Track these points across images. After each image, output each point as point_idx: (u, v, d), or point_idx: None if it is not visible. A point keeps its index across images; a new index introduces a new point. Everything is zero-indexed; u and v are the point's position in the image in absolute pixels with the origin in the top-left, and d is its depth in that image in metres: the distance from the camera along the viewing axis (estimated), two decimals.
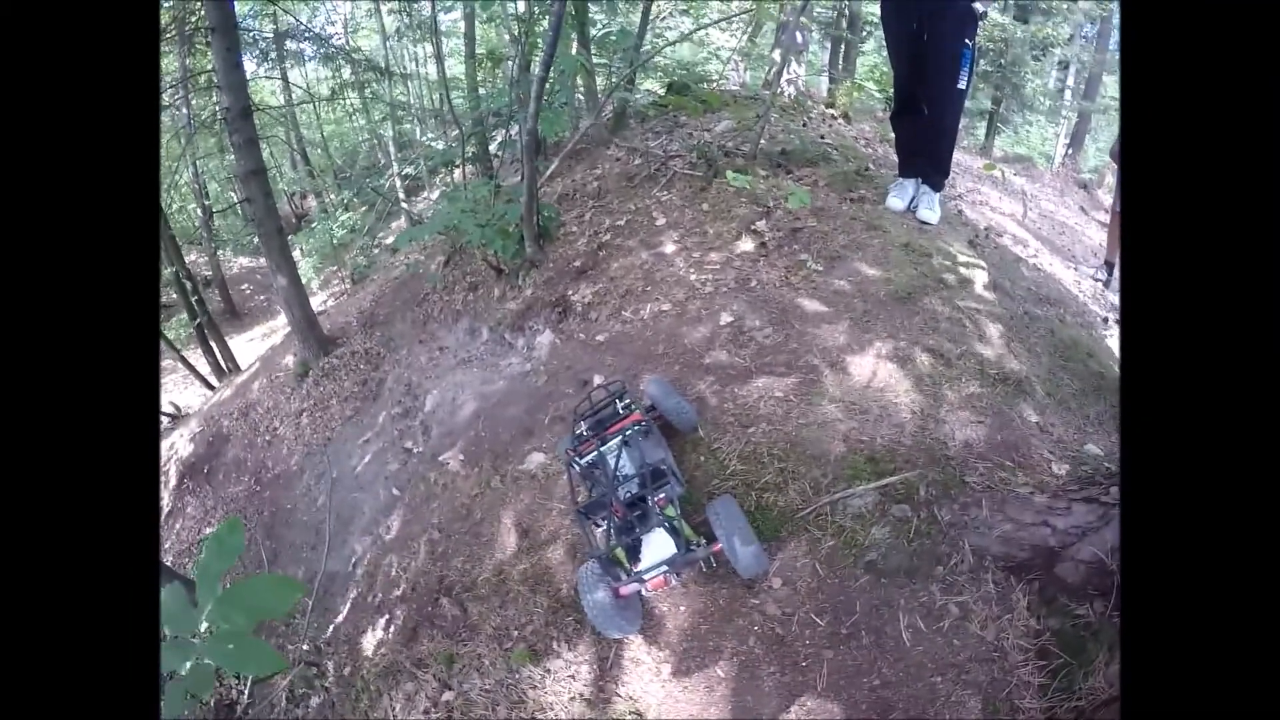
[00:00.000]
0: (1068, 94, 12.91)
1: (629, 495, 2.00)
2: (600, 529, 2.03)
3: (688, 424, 2.35)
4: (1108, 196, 7.38)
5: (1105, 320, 3.76)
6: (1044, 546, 1.92)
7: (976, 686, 1.78)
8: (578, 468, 2.18)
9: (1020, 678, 1.78)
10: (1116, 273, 4.48)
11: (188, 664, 1.28)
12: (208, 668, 1.27)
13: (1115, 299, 4.24)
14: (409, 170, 7.83)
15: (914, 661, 1.80)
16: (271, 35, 9.01)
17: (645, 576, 1.82)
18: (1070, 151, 11.89)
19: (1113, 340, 3.57)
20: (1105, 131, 13.65)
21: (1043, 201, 6.48)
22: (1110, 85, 11.73)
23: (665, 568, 1.82)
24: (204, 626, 1.35)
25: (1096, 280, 4.46)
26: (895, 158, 4.86)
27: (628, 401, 2.31)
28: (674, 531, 1.87)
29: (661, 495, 1.95)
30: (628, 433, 2.16)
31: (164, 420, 7.29)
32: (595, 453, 2.17)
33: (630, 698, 1.86)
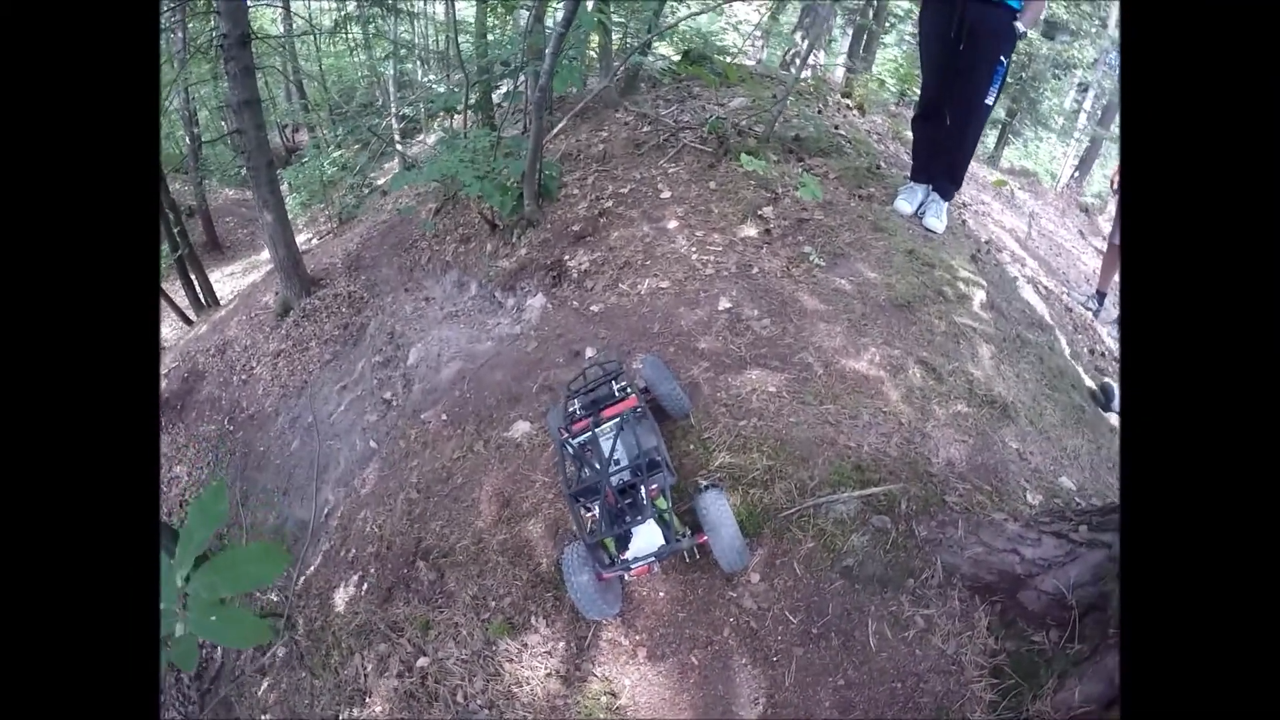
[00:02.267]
0: (1083, 117, 12.93)
1: (621, 482, 2.00)
2: (589, 513, 2.04)
3: (680, 410, 2.35)
4: (1107, 224, 7.47)
5: (1091, 353, 3.85)
6: (1010, 573, 1.99)
7: (933, 695, 1.85)
8: (570, 448, 2.18)
9: (974, 693, 1.86)
10: (1108, 303, 4.59)
11: (171, 634, 1.25)
12: (191, 639, 1.25)
13: (1103, 330, 4.34)
14: (407, 111, 7.54)
15: (878, 666, 1.86)
16: None
17: (632, 565, 1.84)
18: (1077, 174, 11.98)
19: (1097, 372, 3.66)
20: (1114, 159, 13.75)
21: (1044, 220, 6.54)
22: None
23: (652, 558, 1.84)
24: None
25: (1087, 309, 4.56)
26: (906, 156, 4.84)
27: (624, 384, 2.30)
28: (664, 524, 1.89)
29: (654, 486, 1.96)
30: (624, 416, 2.16)
31: None
32: (588, 434, 2.17)
33: (605, 678, 1.90)
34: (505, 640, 2.05)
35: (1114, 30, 9.23)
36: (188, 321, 7.33)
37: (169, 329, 7.88)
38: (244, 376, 4.88)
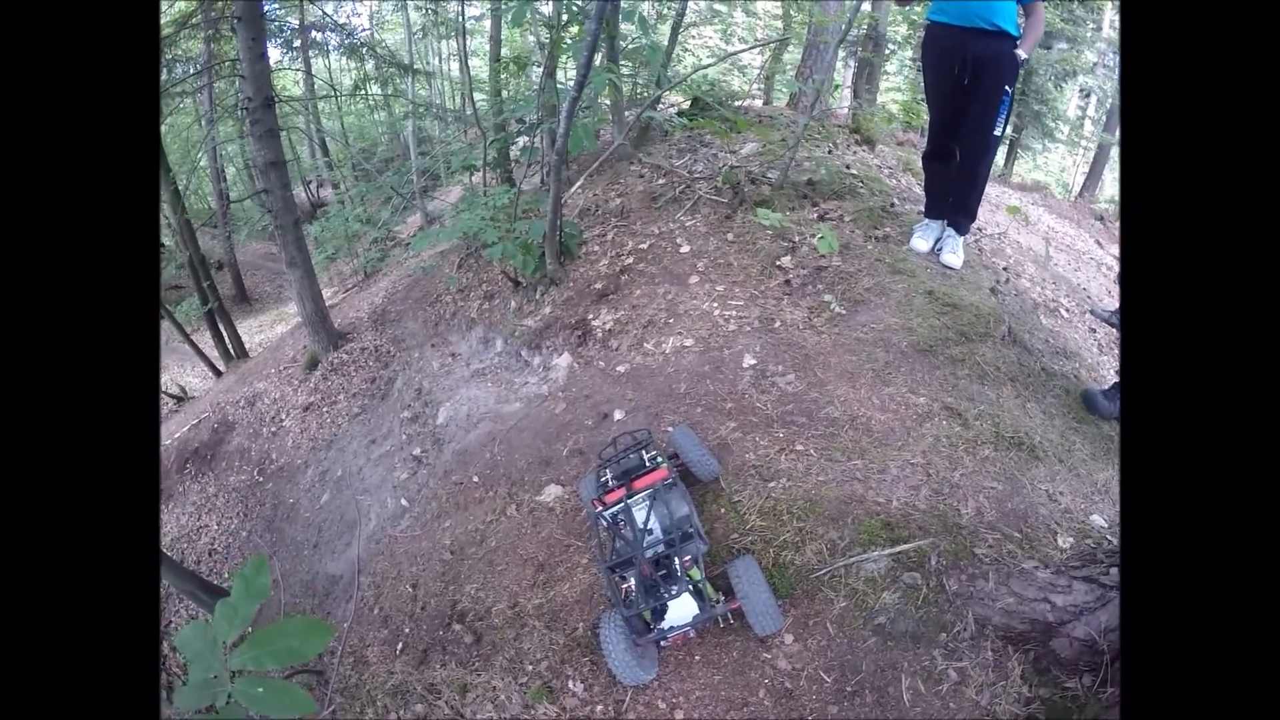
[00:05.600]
0: (1088, 124, 12.84)
1: (655, 554, 2.06)
2: (625, 583, 2.10)
3: (709, 475, 2.41)
4: None
5: (1118, 374, 3.80)
6: (1042, 621, 1.99)
7: None
8: (605, 521, 2.24)
9: None
10: None
11: (215, 704, 1.33)
12: (238, 709, 1.33)
13: None
14: (427, 165, 7.81)
15: None
16: (297, 26, 8.96)
17: (668, 634, 1.89)
18: (1088, 182, 11.88)
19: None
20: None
21: (1061, 235, 6.49)
22: None
23: (688, 626, 1.89)
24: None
25: (1111, 324, 4.47)
26: (918, 190, 4.87)
27: (654, 454, 2.37)
28: (698, 594, 1.95)
29: (688, 557, 2.01)
30: (657, 487, 2.22)
31: (169, 402, 7.28)
32: (621, 504, 2.23)
33: None
34: (544, 704, 2.10)
35: (1109, 31, 9.21)
36: (217, 373, 7.49)
37: (199, 380, 8.09)
38: (273, 429, 4.95)
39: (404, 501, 3.57)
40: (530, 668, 2.23)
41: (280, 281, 12.47)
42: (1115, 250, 6.95)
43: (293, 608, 3.41)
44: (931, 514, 2.21)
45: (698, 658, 2.09)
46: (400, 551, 3.12)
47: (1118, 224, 8.37)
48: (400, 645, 2.59)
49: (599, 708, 2.07)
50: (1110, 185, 13.08)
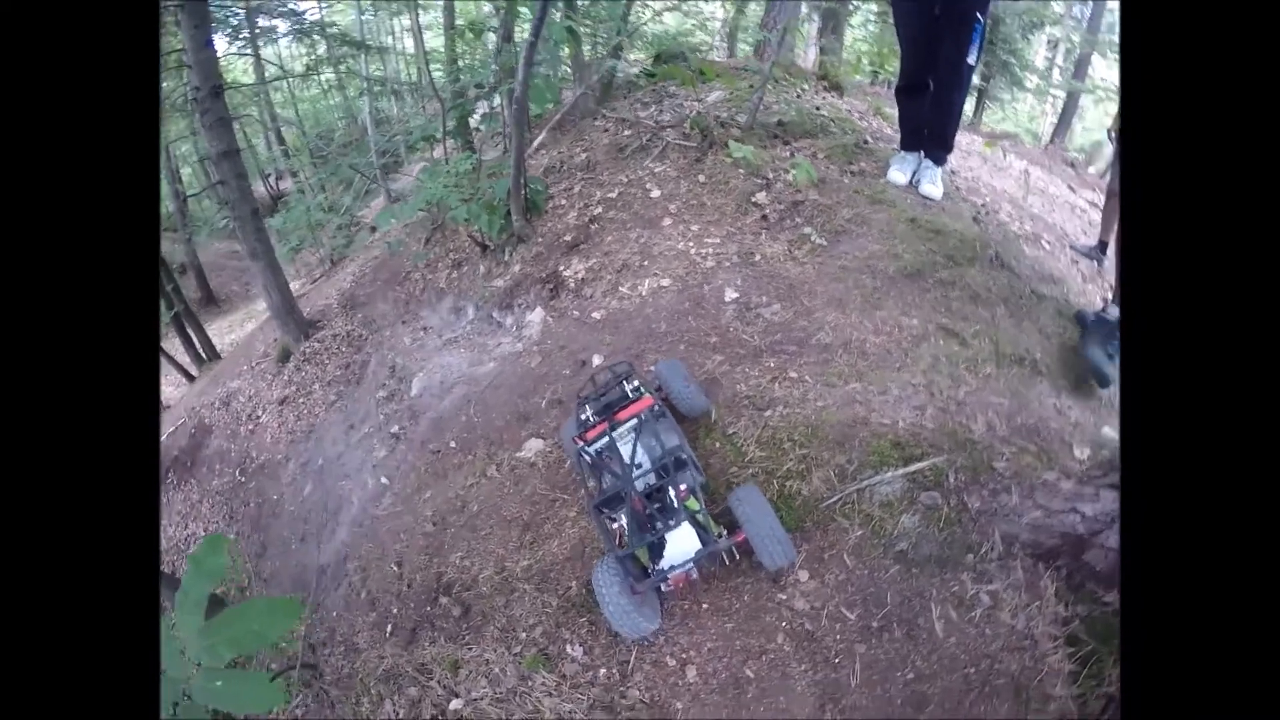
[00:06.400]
0: (1056, 73, 12.89)
1: (647, 486, 1.87)
2: (616, 524, 1.91)
3: (698, 409, 2.22)
4: (1099, 177, 7.39)
5: (1105, 301, 3.72)
6: (1073, 534, 1.86)
7: (1009, 676, 1.72)
8: (588, 457, 2.04)
9: (1051, 666, 1.73)
10: (1111, 251, 4.47)
11: (173, 706, 1.12)
12: (196, 709, 1.12)
13: (1111, 279, 4.22)
14: (387, 146, 7.51)
15: (947, 653, 1.72)
16: (243, 12, 8.54)
17: (668, 574, 1.70)
18: (1058, 130, 11.91)
19: None
20: (1092, 112, 13.68)
21: (1034, 178, 6.45)
22: (1099, 66, 11.70)
23: (690, 564, 1.70)
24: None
25: (1091, 260, 4.46)
26: (891, 130, 4.75)
27: (636, 384, 2.17)
28: (698, 526, 1.76)
29: (684, 486, 1.82)
30: (642, 417, 2.02)
31: None
32: (605, 439, 2.03)
33: (655, 704, 1.75)
34: (541, 673, 1.91)
35: None
36: (190, 378, 7.27)
37: (171, 387, 7.80)
38: (251, 426, 4.80)
39: (384, 480, 3.38)
40: (524, 635, 2.04)
41: (247, 279, 12.18)
42: (1088, 195, 6.95)
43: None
44: (941, 431, 2.06)
45: (705, 605, 1.91)
46: (383, 531, 2.95)
47: (1090, 170, 8.38)
48: (389, 627, 2.42)
49: (601, 671, 1.89)
50: (1080, 134, 13.15)
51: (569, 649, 1.95)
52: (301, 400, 4.60)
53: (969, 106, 10.52)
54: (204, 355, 7.62)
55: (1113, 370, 2.45)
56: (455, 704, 1.96)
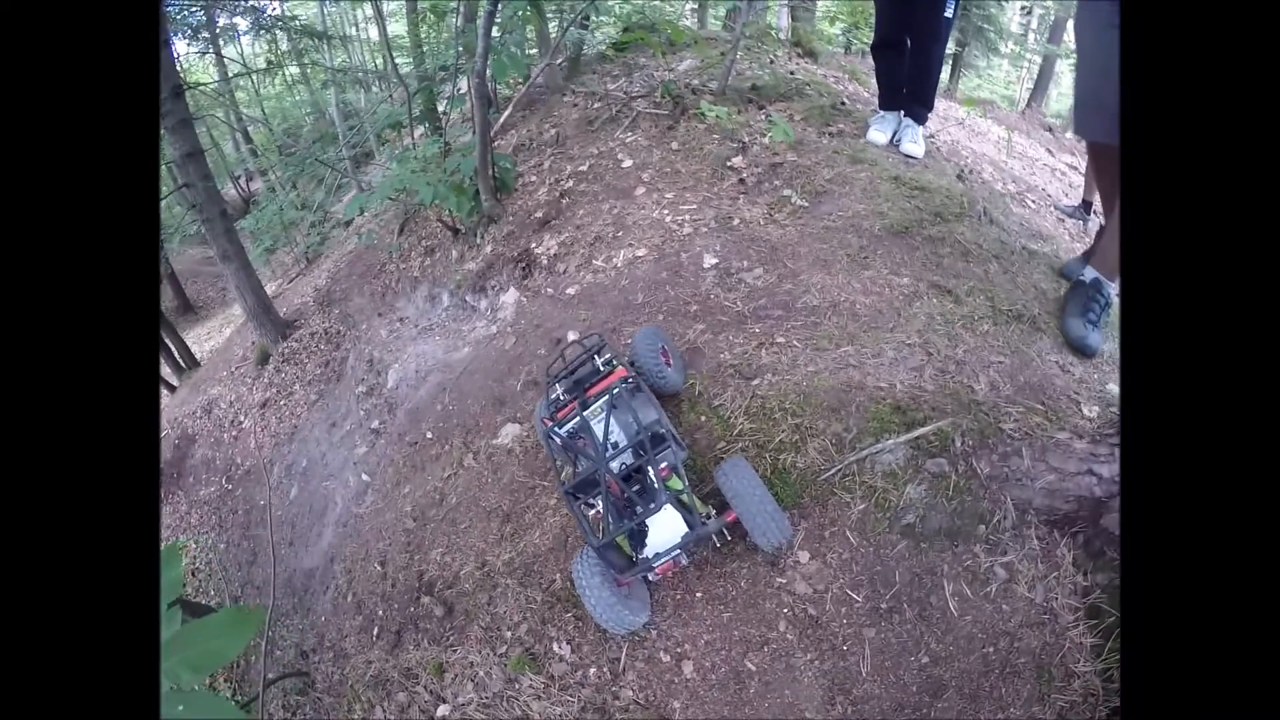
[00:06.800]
0: (1031, 38, 12.79)
1: (624, 467, 1.71)
2: (594, 510, 1.74)
3: (673, 385, 2.03)
4: (1078, 141, 7.35)
5: (1081, 263, 3.66)
6: (1089, 497, 1.74)
7: (1029, 654, 1.60)
8: (558, 439, 1.87)
9: (1073, 640, 1.62)
10: (1095, 210, 4.41)
11: None
12: None
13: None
14: (355, 138, 7.28)
15: (963, 633, 1.60)
16: (201, 9, 8.19)
17: (654, 563, 1.55)
18: (1034, 95, 11.83)
19: None
20: (1068, 76, 13.62)
21: (1012, 142, 6.37)
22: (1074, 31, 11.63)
23: (676, 551, 1.55)
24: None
25: (1075, 219, 4.41)
26: (868, 94, 4.61)
27: (608, 357, 2.00)
28: (683, 507, 1.60)
29: (664, 465, 1.66)
30: (614, 391, 1.85)
31: None
32: (577, 418, 1.86)
33: (650, 704, 1.60)
34: (528, 675, 1.76)
35: None
36: (170, 388, 7.07)
37: None
38: (234, 433, 4.71)
39: (365, 477, 3.25)
40: (508, 634, 1.89)
41: (223, 285, 11.98)
42: (1067, 159, 6.89)
43: (277, 612, 3.12)
44: (943, 393, 1.92)
45: (699, 595, 1.76)
46: (366, 530, 2.82)
47: (1067, 134, 8.30)
48: (376, 630, 2.30)
49: (591, 671, 1.74)
50: (1055, 99, 13.05)
51: (556, 647, 1.81)
52: (283, 402, 4.51)
53: (944, 74, 10.41)
54: (183, 364, 7.40)
55: (1096, 337, 2.32)
56: (443, 710, 1.82)
